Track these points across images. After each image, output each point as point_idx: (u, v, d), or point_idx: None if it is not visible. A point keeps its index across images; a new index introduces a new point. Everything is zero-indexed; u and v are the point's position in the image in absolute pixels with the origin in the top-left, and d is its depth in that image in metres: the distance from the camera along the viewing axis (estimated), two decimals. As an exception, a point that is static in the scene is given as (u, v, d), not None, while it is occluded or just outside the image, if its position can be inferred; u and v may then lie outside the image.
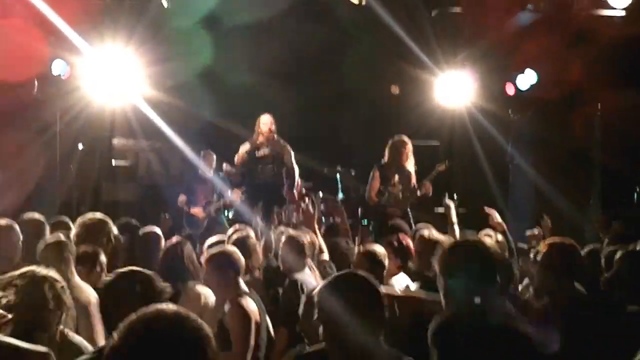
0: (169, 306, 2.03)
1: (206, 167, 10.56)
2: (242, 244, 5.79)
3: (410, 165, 9.35)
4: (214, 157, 10.75)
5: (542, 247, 5.31)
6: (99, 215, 6.06)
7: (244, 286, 4.97)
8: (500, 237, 6.60)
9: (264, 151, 10.43)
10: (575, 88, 10.07)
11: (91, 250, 5.38)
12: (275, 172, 10.39)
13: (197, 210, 10.45)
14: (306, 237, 5.85)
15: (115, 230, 6.12)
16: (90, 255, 5.32)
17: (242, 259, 5.03)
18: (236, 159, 10.52)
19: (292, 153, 10.32)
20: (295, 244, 5.54)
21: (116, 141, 11.85)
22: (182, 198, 10.57)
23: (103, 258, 5.35)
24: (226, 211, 10.83)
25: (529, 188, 10.89)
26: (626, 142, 9.88)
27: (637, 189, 10.32)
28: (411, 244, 6.32)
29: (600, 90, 10.02)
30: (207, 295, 5.23)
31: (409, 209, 9.30)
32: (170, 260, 5.52)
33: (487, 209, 6.92)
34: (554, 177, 10.17)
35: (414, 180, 9.37)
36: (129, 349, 1.93)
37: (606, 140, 10.49)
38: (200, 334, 1.97)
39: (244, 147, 10.48)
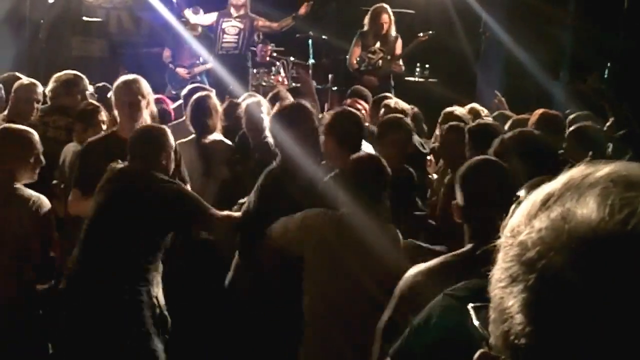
0: None
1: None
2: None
3: (393, 32, 9.28)
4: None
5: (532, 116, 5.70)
6: (74, 72, 6.06)
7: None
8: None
9: (232, 23, 9.68)
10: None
11: (90, 107, 5.35)
12: (239, 46, 9.73)
13: (181, 70, 10.05)
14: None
15: (90, 88, 6.13)
16: (88, 112, 5.29)
17: None
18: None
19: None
20: (259, 107, 5.54)
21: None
22: (167, 52, 10.14)
23: (104, 115, 5.31)
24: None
25: (501, 58, 10.90)
26: (601, 14, 9.84)
27: (608, 65, 10.34)
28: (366, 108, 6.43)
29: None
30: None
31: (391, 78, 9.28)
32: None
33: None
34: (526, 48, 10.15)
35: (399, 48, 9.31)
36: None
37: (581, 12, 10.44)
38: None
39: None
